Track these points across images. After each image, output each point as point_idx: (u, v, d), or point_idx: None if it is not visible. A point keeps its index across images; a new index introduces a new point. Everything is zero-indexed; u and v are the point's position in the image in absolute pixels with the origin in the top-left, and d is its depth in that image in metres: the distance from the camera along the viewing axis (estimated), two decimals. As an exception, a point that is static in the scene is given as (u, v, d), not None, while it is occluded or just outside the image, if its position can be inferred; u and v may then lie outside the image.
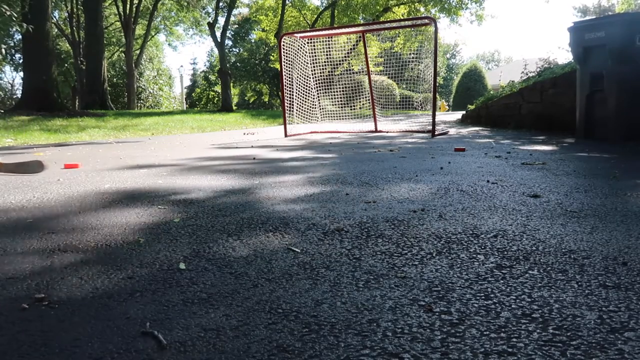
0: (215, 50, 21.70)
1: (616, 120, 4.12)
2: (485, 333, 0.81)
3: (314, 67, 7.50)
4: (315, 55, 7.51)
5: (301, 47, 7.15)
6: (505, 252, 1.23)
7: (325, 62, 8.98)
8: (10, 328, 0.85)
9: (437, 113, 5.82)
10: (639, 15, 4.76)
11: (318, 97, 7.72)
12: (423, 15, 20.09)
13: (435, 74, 5.59)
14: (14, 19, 8.81)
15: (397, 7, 22.57)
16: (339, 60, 10.88)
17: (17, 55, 27.99)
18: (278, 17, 22.23)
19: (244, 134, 7.22)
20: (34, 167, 2.80)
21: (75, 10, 24.72)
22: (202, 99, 37.63)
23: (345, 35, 10.11)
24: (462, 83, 28.74)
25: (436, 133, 5.62)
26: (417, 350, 0.76)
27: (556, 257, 1.19)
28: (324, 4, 25.82)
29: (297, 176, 2.55)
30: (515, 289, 1.00)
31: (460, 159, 3.18)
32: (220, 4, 21.12)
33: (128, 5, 23.30)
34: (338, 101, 8.18)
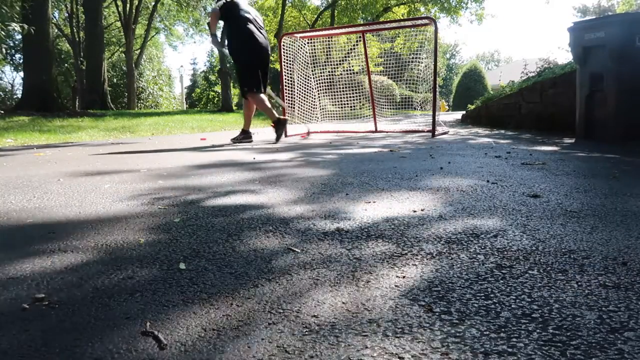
0: (216, 51, 21.68)
1: (616, 121, 4.12)
2: (485, 333, 0.81)
3: (314, 67, 7.50)
4: (315, 56, 7.51)
5: (301, 47, 7.15)
6: (505, 252, 1.23)
7: (325, 62, 8.98)
8: (10, 328, 0.85)
9: (437, 113, 5.81)
10: (639, 15, 4.76)
11: (318, 97, 7.72)
12: (423, 15, 20.11)
13: (436, 74, 5.59)
14: (15, 19, 8.82)
15: (397, 7, 22.59)
16: (339, 60, 10.88)
17: (17, 55, 28.01)
18: (278, 18, 22.23)
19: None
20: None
21: (75, 10, 24.73)
22: (202, 99, 37.62)
23: (345, 35, 10.11)
24: (462, 83, 28.77)
25: (436, 133, 5.62)
26: (417, 350, 0.76)
27: (556, 257, 1.19)
28: (324, 4, 25.83)
29: (297, 176, 2.55)
30: (515, 289, 1.00)
31: (460, 159, 3.19)
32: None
33: (128, 5, 23.31)
34: (338, 101, 8.18)
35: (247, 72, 4.98)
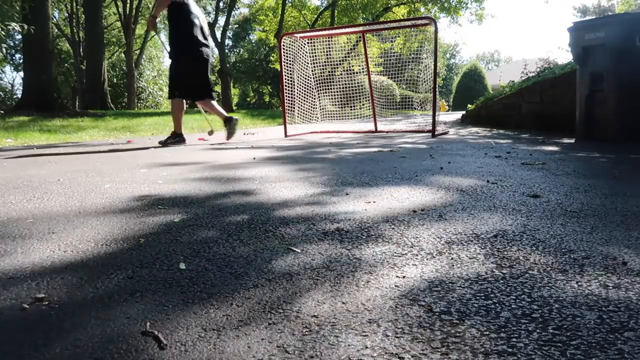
0: (215, 51, 21.68)
1: (616, 120, 4.12)
2: (485, 333, 0.81)
3: (314, 67, 7.51)
4: (315, 56, 7.51)
5: (301, 47, 7.16)
6: (505, 252, 1.23)
7: (325, 62, 8.99)
8: (10, 328, 0.86)
9: (437, 113, 5.82)
10: (639, 15, 4.76)
11: (318, 97, 7.73)
12: (423, 15, 20.11)
13: (436, 74, 5.59)
14: (15, 18, 8.82)
15: (397, 7, 22.60)
16: (339, 60, 10.89)
17: (17, 55, 28.01)
18: (278, 18, 22.25)
19: (244, 134, 7.22)
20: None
21: (75, 10, 24.74)
22: (202, 99, 37.57)
23: (345, 35, 10.11)
24: (462, 83, 28.78)
25: (436, 133, 5.62)
26: (417, 351, 0.76)
27: (556, 257, 1.19)
28: (324, 4, 25.85)
29: (297, 176, 2.55)
30: (515, 289, 1.00)
31: (460, 159, 3.19)
32: (220, 4, 21.08)
33: (128, 5, 23.31)
34: (338, 101, 8.20)
35: (182, 78, 4.94)
